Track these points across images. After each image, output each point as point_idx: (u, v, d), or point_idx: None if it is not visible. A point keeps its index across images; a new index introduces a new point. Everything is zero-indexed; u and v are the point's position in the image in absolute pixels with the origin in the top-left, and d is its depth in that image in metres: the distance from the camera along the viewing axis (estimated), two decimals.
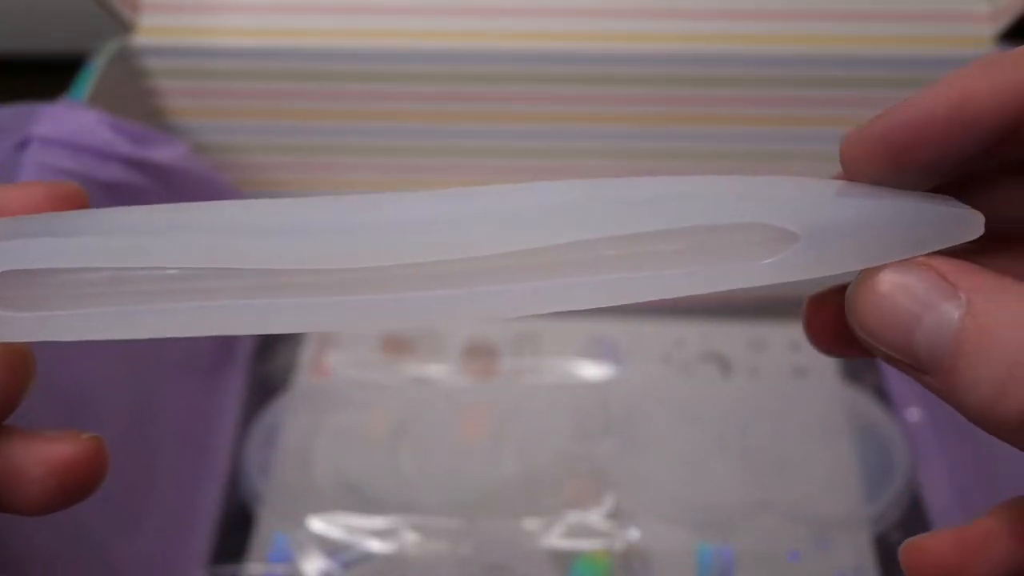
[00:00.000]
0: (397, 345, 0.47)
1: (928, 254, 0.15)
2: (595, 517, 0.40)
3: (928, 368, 0.15)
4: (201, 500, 0.41)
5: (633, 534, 0.39)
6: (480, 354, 0.47)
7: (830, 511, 0.40)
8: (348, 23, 0.41)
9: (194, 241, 0.16)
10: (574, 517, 0.40)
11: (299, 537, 0.39)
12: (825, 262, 0.15)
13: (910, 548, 0.17)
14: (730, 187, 0.16)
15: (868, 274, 0.15)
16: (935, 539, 0.17)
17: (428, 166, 0.45)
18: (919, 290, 0.14)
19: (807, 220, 0.15)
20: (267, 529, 0.40)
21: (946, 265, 0.15)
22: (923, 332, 0.14)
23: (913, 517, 0.40)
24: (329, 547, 0.39)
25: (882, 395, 0.45)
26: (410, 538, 0.39)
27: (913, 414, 0.44)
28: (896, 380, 0.46)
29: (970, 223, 0.16)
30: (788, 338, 0.47)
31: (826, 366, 0.46)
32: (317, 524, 0.40)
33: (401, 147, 0.44)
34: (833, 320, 0.18)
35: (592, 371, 0.46)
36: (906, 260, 0.15)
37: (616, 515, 0.40)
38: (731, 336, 0.47)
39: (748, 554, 0.39)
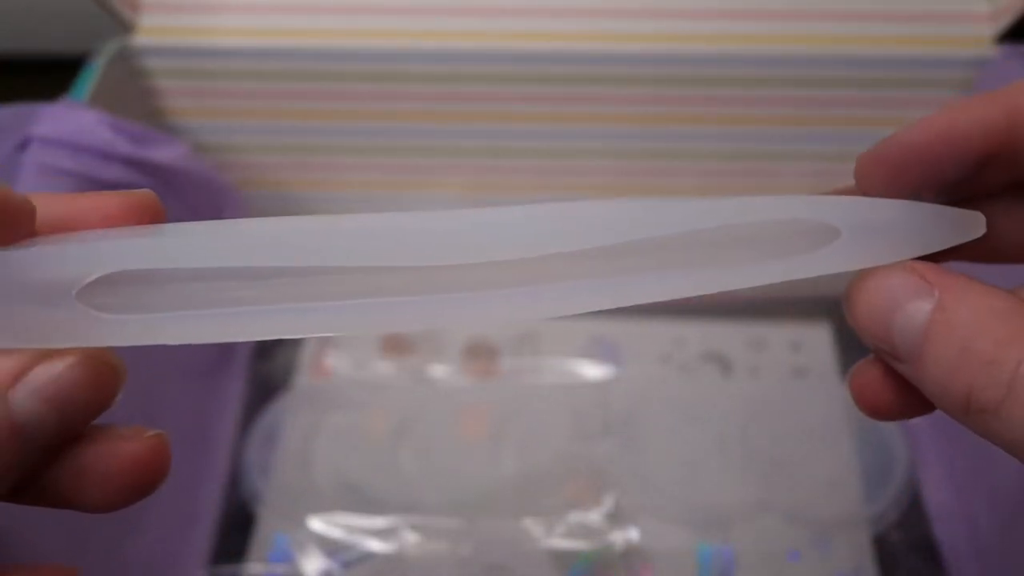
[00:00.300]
0: (397, 345, 0.47)
1: (913, 259, 0.17)
2: (595, 517, 0.40)
3: (903, 356, 0.17)
4: (202, 500, 0.41)
5: (633, 534, 0.39)
6: (480, 354, 0.47)
7: (830, 511, 0.40)
8: (348, 23, 0.41)
9: (295, 241, 0.16)
10: (574, 517, 0.40)
11: (299, 537, 0.40)
12: (859, 257, 0.17)
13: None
14: (751, 200, 0.17)
15: (863, 274, 0.17)
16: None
17: (428, 166, 0.45)
18: (900, 287, 0.17)
19: (848, 217, 0.17)
20: (267, 529, 0.40)
21: (925, 268, 0.17)
22: (899, 322, 0.16)
23: (912, 517, 0.40)
24: (329, 547, 0.39)
25: None
26: (410, 538, 0.39)
27: None
28: None
29: (973, 223, 0.18)
30: (788, 338, 0.47)
31: (826, 367, 0.46)
32: (317, 524, 0.40)
33: (401, 147, 0.45)
34: (875, 385, 0.19)
35: (592, 371, 0.46)
36: (894, 264, 0.17)
37: (616, 515, 0.40)
38: (731, 336, 0.47)
39: (748, 554, 0.39)
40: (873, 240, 0.17)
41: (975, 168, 0.18)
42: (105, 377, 0.16)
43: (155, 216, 0.18)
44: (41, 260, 0.16)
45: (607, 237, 0.17)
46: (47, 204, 0.17)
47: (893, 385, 0.18)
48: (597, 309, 0.18)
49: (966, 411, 0.16)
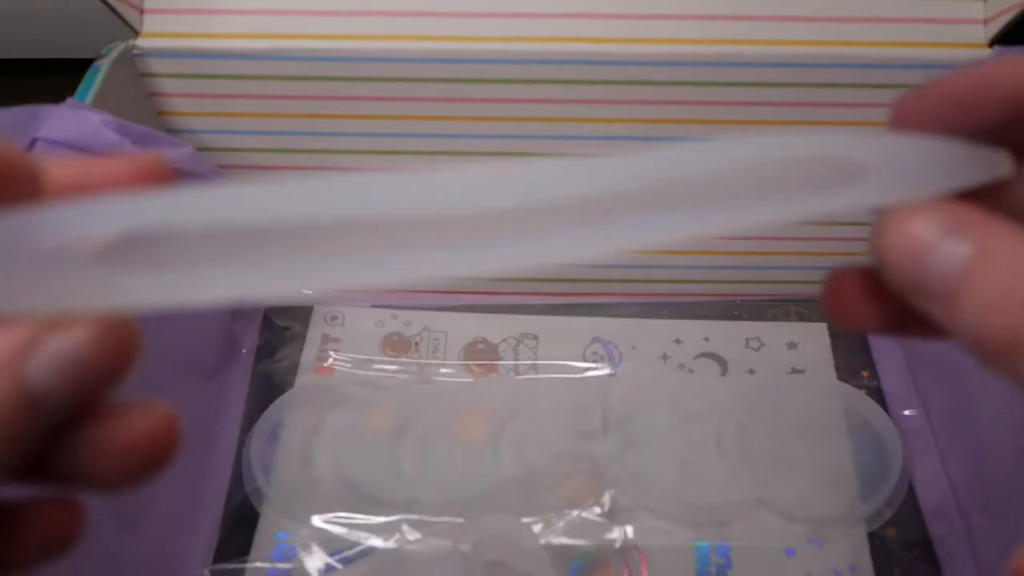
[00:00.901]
0: (398, 344, 0.47)
1: (951, 198, 0.17)
2: (594, 514, 0.40)
3: (936, 294, 0.16)
4: (204, 497, 0.42)
5: (631, 531, 0.40)
6: (480, 354, 0.47)
7: (826, 508, 0.40)
8: (350, 26, 0.41)
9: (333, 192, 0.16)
10: (573, 515, 0.40)
11: (301, 534, 0.40)
12: (889, 192, 0.17)
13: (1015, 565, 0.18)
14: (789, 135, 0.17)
15: (896, 211, 0.17)
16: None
17: (429, 167, 0.45)
18: (937, 226, 0.17)
19: (877, 151, 0.17)
20: (270, 527, 0.40)
21: (965, 207, 0.17)
22: (936, 261, 0.16)
23: (908, 514, 0.41)
24: (331, 544, 0.39)
25: (878, 394, 0.45)
26: (411, 535, 0.40)
27: (908, 413, 0.45)
28: (892, 379, 0.46)
29: (1001, 162, 0.18)
30: (785, 337, 0.47)
31: (823, 365, 0.46)
32: (319, 522, 0.40)
33: (403, 148, 0.45)
34: (852, 295, 0.20)
35: (591, 370, 0.46)
36: (931, 202, 0.17)
37: (614, 512, 0.40)
38: (729, 335, 0.48)
39: (745, 551, 0.39)
40: (903, 176, 0.17)
41: (1012, 118, 0.18)
42: (122, 345, 0.16)
43: (164, 179, 0.18)
44: (53, 221, 0.15)
45: (621, 183, 0.17)
46: (56, 169, 0.17)
47: (871, 299, 0.19)
48: (615, 249, 0.17)
49: (1006, 353, 0.15)
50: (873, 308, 0.19)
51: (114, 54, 0.40)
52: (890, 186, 0.17)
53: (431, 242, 0.16)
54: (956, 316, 0.16)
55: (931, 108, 0.18)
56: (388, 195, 0.16)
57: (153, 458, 0.16)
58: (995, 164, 0.18)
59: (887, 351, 0.47)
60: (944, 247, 0.16)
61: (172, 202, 0.16)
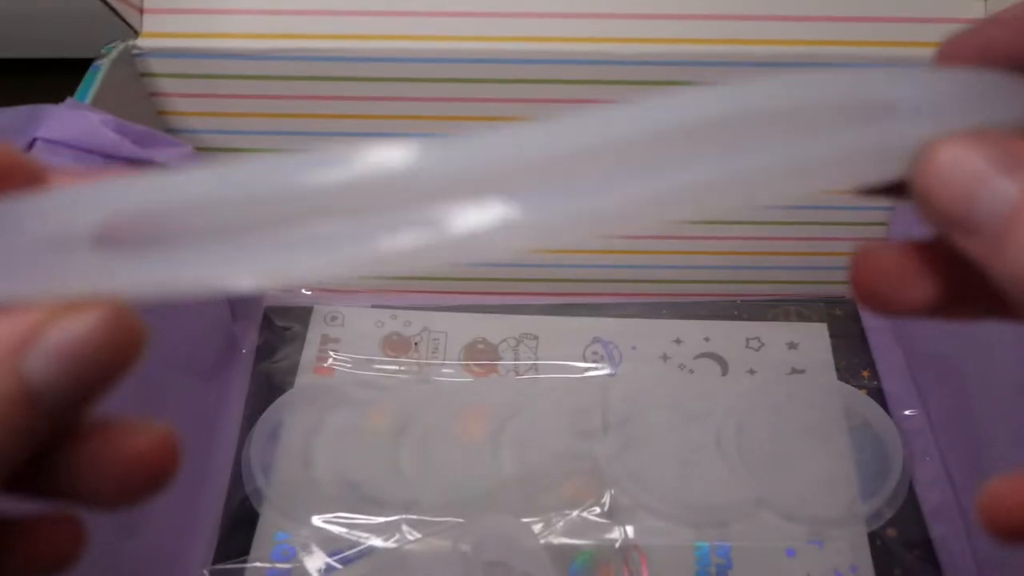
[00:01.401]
0: (398, 345, 0.47)
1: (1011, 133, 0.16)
2: (594, 515, 0.40)
3: (982, 230, 0.16)
4: (204, 498, 0.42)
5: (631, 531, 0.40)
6: (480, 354, 0.47)
7: (826, 508, 0.40)
8: (351, 26, 0.41)
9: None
10: (573, 515, 0.40)
11: (301, 534, 0.40)
12: (928, 124, 0.16)
13: (986, 497, 0.17)
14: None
15: (940, 144, 0.16)
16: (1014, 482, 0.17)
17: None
18: (987, 159, 0.16)
19: (913, 85, 0.16)
20: (269, 527, 0.40)
21: (1016, 140, 0.16)
22: (987, 196, 0.15)
23: (908, 514, 0.41)
24: (330, 544, 0.39)
25: (878, 394, 0.45)
26: (411, 535, 0.40)
27: (909, 413, 0.45)
28: (892, 379, 0.46)
29: None
30: (785, 337, 0.47)
31: (823, 365, 0.46)
32: (319, 522, 0.40)
33: None
34: (889, 270, 0.18)
35: (591, 370, 0.46)
36: (977, 133, 0.16)
37: (614, 513, 0.40)
38: (729, 335, 0.48)
39: (745, 551, 0.39)
40: (936, 110, 0.16)
41: None
42: (126, 336, 0.15)
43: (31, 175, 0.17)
44: (49, 206, 0.15)
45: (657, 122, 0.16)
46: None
47: (911, 276, 0.18)
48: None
49: None
50: (914, 287, 0.18)
51: (114, 54, 0.40)
52: (922, 121, 0.16)
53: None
54: (1002, 257, 0.15)
55: (979, 49, 0.18)
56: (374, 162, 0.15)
57: (152, 476, 0.16)
58: None
59: (887, 351, 0.47)
60: (997, 182, 0.15)
61: (158, 183, 0.15)
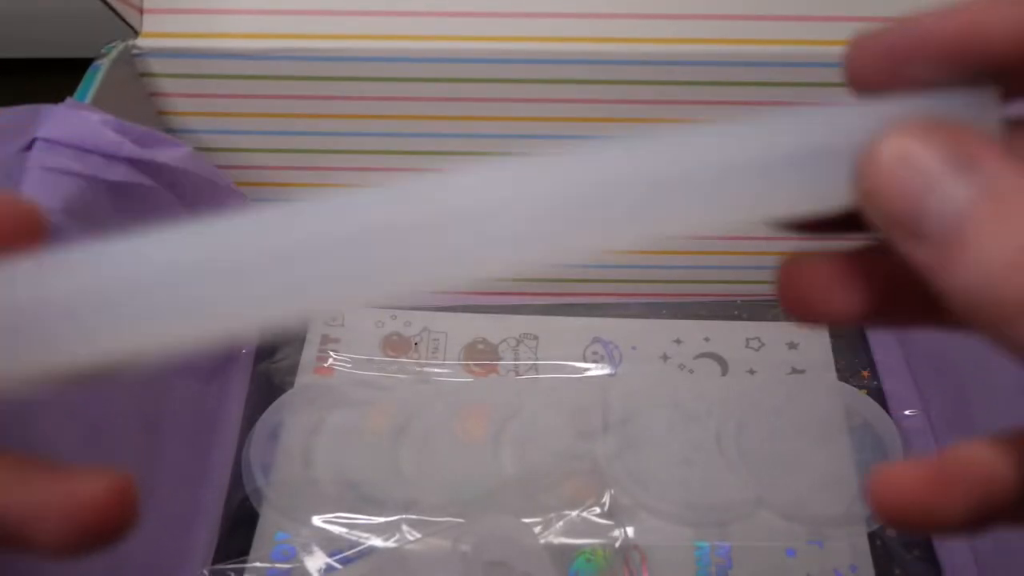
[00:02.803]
0: (398, 345, 0.47)
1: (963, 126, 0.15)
2: (594, 515, 0.40)
3: (931, 238, 0.14)
4: (204, 498, 0.42)
5: (631, 531, 0.40)
6: (480, 354, 0.47)
7: (826, 509, 0.40)
8: (351, 26, 0.41)
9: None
10: (573, 515, 0.40)
11: (301, 534, 0.40)
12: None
13: (878, 477, 0.16)
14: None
15: (891, 133, 0.15)
16: (907, 469, 0.16)
17: (430, 168, 0.45)
18: (945, 155, 0.14)
19: (856, 129, 0.15)
20: (269, 527, 0.40)
21: (971, 135, 0.14)
22: (937, 197, 0.14)
23: None
24: (330, 544, 0.39)
25: (878, 394, 0.45)
26: (411, 536, 0.40)
27: (909, 413, 0.45)
28: (892, 379, 0.46)
29: (989, 101, 0.15)
30: (785, 337, 0.47)
31: (823, 365, 0.46)
32: (319, 522, 0.40)
33: (403, 149, 0.45)
34: (816, 280, 0.17)
35: (591, 370, 0.46)
36: (927, 124, 0.14)
37: (615, 512, 0.40)
38: (729, 335, 0.48)
39: (745, 551, 0.39)
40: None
41: (991, 74, 0.15)
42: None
43: (37, 229, 0.16)
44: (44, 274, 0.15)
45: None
46: None
47: (839, 285, 0.16)
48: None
49: (1012, 318, 0.13)
50: (841, 295, 0.17)
51: (114, 54, 0.40)
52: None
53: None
54: (953, 267, 0.14)
55: (897, 60, 0.16)
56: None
57: (102, 527, 0.15)
58: (986, 106, 0.15)
59: (888, 351, 0.47)
60: (948, 183, 0.14)
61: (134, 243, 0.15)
